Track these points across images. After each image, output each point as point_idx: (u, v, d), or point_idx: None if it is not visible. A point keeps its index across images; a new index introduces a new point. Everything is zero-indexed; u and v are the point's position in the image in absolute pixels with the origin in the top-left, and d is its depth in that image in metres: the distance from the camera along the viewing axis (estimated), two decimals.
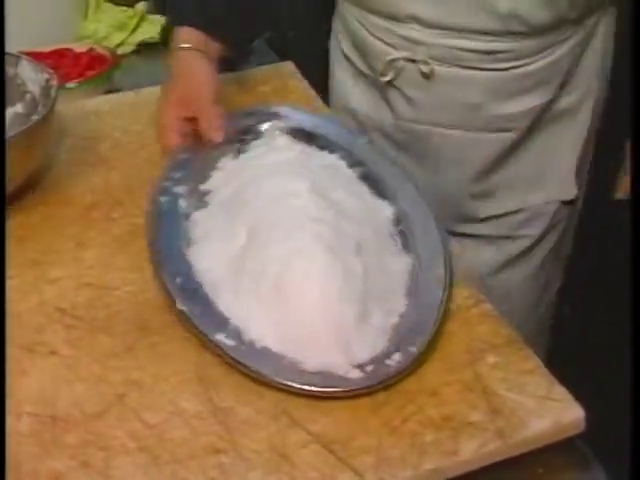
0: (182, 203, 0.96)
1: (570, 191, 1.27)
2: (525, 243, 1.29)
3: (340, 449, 0.73)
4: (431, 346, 0.82)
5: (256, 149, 1.03)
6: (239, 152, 1.03)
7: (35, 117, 1.04)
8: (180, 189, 0.98)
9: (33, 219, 1.03)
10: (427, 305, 0.86)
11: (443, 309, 0.85)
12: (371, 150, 1.05)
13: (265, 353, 0.81)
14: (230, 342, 0.81)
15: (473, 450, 0.73)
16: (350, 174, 1.00)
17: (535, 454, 0.76)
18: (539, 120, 1.21)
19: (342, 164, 1.02)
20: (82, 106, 1.25)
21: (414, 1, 1.12)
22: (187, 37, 1.07)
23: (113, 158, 1.14)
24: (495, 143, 1.21)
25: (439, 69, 1.15)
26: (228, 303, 0.85)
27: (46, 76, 1.09)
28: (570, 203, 1.29)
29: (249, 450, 0.73)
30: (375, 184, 0.99)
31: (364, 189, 0.98)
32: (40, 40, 1.41)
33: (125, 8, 1.58)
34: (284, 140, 1.04)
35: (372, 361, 0.80)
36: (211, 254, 0.90)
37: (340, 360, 0.79)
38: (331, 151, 1.03)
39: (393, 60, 1.17)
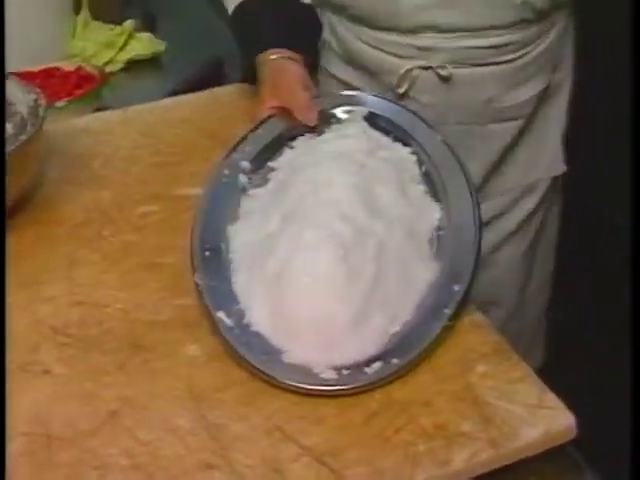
0: (242, 178, 0.99)
1: (559, 167, 1.34)
2: (520, 217, 1.33)
3: (333, 461, 0.74)
4: (421, 356, 0.83)
5: (331, 133, 1.03)
6: (315, 135, 1.04)
7: (23, 137, 1.05)
8: (245, 164, 1.00)
9: (25, 238, 1.03)
10: (430, 319, 0.85)
11: (441, 328, 0.84)
12: (444, 149, 1.01)
13: (255, 337, 0.83)
14: (228, 322, 0.84)
15: (465, 459, 0.74)
16: (414, 171, 0.99)
17: (527, 462, 0.76)
18: (537, 104, 1.26)
19: (411, 159, 1.00)
20: (72, 125, 1.26)
21: (433, 11, 1.14)
22: (273, 51, 1.11)
23: (104, 176, 1.14)
24: (505, 133, 1.25)
25: (456, 71, 1.18)
26: (241, 283, 0.88)
27: (34, 96, 1.10)
28: (556, 179, 1.35)
29: (243, 465, 0.74)
30: (433, 185, 0.97)
31: (420, 188, 0.97)
32: (29, 59, 1.41)
33: (113, 26, 1.59)
34: (361, 127, 1.03)
35: (352, 366, 0.81)
36: (245, 233, 0.93)
37: (318, 358, 0.81)
38: (405, 144, 1.02)
39: (408, 71, 1.19)
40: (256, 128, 1.04)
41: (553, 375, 0.86)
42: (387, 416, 0.77)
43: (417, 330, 0.84)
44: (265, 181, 0.99)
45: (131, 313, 0.91)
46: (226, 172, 0.99)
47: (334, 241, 0.84)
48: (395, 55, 1.19)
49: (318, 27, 1.24)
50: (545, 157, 1.32)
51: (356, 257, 0.84)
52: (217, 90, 1.32)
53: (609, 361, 1.84)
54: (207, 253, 0.91)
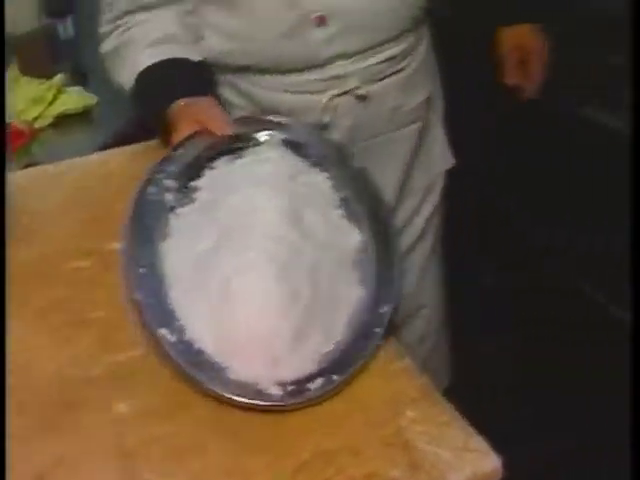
0: (169, 196, 1.00)
1: (450, 159, 1.47)
2: (423, 221, 1.46)
3: None
4: (351, 400, 0.85)
5: (251, 156, 1.06)
6: (235, 157, 1.06)
7: None
8: (170, 182, 1.01)
9: None
10: (362, 338, 0.89)
11: (374, 346, 0.89)
12: (360, 175, 1.07)
13: (199, 355, 0.85)
14: (171, 338, 0.86)
15: None
16: (332, 196, 1.03)
17: None
18: (427, 107, 1.39)
19: (328, 185, 1.04)
20: None
21: (340, 41, 1.20)
22: (182, 100, 1.14)
23: (34, 230, 1.14)
24: (412, 135, 1.37)
25: (369, 88, 1.26)
26: (179, 300, 0.89)
27: None
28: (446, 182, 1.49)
29: None
30: (351, 210, 1.02)
31: (339, 213, 1.01)
32: None
33: (43, 80, 1.59)
34: (279, 152, 1.06)
35: (295, 382, 0.84)
36: (179, 250, 0.94)
37: (264, 374, 0.83)
38: (323, 169, 1.06)
39: (328, 101, 1.24)
40: (176, 149, 1.06)
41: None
42: (317, 466, 0.78)
43: (351, 348, 0.88)
44: (191, 200, 1.01)
45: (61, 370, 0.90)
46: (152, 190, 1.00)
47: (273, 261, 0.88)
48: (312, 92, 1.24)
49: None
50: (438, 154, 1.44)
51: (293, 277, 0.88)
52: (149, 143, 1.33)
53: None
54: (141, 270, 0.91)
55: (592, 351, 1.89)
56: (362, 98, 1.26)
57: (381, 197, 1.05)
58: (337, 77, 1.24)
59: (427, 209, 1.46)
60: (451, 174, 1.48)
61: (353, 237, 0.99)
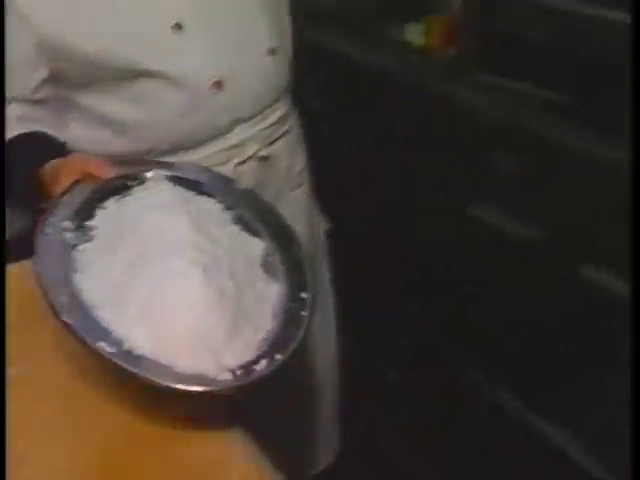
0: (67, 235, 1.03)
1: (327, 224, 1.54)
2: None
3: None
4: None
5: (140, 192, 1.10)
6: (124, 195, 1.10)
7: None
8: (66, 224, 1.04)
9: None
10: (292, 324, 0.99)
11: (305, 326, 0.98)
12: (245, 196, 1.16)
13: (142, 359, 0.90)
14: (111, 349, 0.89)
15: None
16: (226, 216, 1.10)
17: None
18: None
19: (219, 207, 1.11)
20: None
21: (236, 107, 1.24)
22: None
23: None
24: (303, 195, 1.45)
25: (269, 149, 1.32)
26: (109, 317, 0.93)
27: None
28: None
29: None
30: (247, 224, 1.10)
31: (237, 228, 1.09)
32: None
33: None
34: (166, 185, 1.12)
35: (241, 367, 0.91)
36: (93, 279, 0.97)
37: (211, 365, 0.90)
38: (209, 196, 1.13)
39: (235, 167, 1.27)
40: (62, 195, 1.08)
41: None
42: None
43: (285, 332, 0.98)
44: (90, 238, 1.03)
45: None
46: (50, 231, 1.02)
47: (198, 266, 0.96)
48: (216, 164, 1.24)
49: None
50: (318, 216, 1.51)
51: (216, 277, 0.96)
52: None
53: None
54: (63, 297, 0.94)
55: None
56: (264, 159, 1.31)
57: (272, 208, 1.15)
58: (238, 145, 1.27)
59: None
60: None
61: (256, 244, 1.08)
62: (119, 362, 0.89)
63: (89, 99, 1.22)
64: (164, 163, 1.17)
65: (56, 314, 0.92)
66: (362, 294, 1.91)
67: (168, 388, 0.88)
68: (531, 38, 1.61)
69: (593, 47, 1.47)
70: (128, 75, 1.18)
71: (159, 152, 1.23)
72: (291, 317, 1.00)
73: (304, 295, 1.03)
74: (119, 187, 1.10)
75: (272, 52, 1.27)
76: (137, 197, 1.09)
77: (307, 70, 1.39)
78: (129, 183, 1.11)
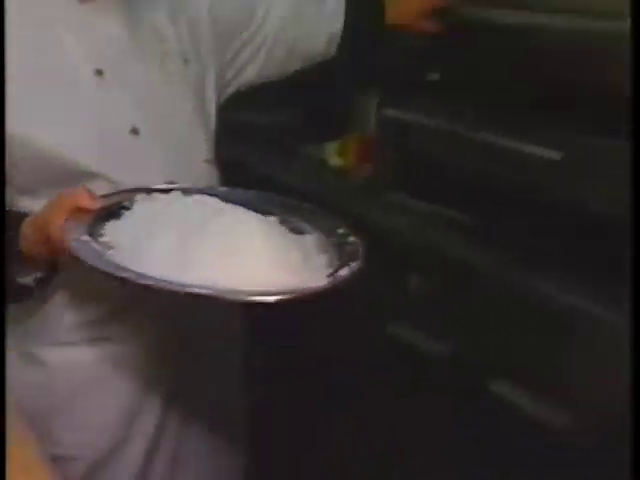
0: (94, 245, 1.09)
1: None
2: None
3: None
4: None
5: (144, 205, 1.17)
6: (119, 216, 1.16)
7: None
8: (85, 238, 1.09)
9: None
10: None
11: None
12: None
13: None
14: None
15: None
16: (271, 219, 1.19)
17: None
18: None
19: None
20: None
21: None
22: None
23: None
24: None
25: None
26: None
27: None
28: None
29: None
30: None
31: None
32: None
33: None
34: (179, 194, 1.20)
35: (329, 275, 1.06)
36: (146, 262, 1.04)
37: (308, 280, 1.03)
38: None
39: None
40: (66, 223, 1.11)
41: None
42: None
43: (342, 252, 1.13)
44: (111, 247, 1.10)
45: None
46: (78, 241, 1.08)
47: (261, 221, 1.12)
48: None
49: None
50: None
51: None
52: None
53: None
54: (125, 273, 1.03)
55: None
56: None
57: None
58: None
59: None
60: None
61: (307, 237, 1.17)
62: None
63: (32, 204, 1.23)
64: (154, 188, 1.21)
65: (129, 278, 1.01)
66: (277, 413, 1.90)
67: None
68: (442, 161, 1.68)
69: (503, 174, 1.53)
70: (75, 176, 1.21)
71: None
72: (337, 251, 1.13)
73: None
74: (114, 212, 1.15)
75: (207, 162, 1.35)
76: (147, 206, 1.16)
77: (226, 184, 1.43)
78: (125, 204, 1.17)
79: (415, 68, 1.86)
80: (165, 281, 1.00)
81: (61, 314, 1.31)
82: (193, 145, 1.35)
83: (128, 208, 1.17)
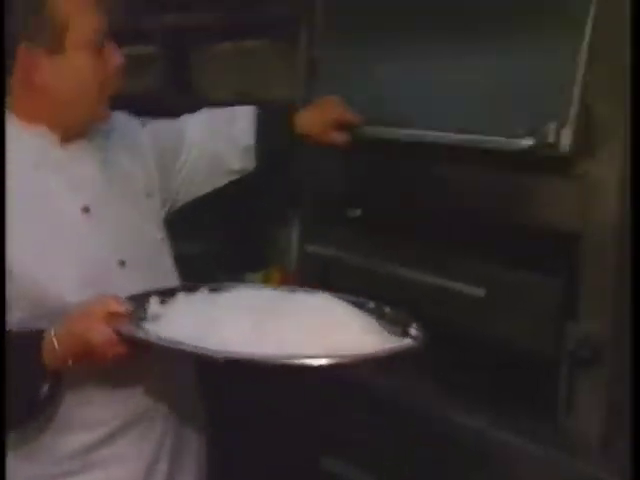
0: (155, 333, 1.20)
1: None
2: None
3: None
4: None
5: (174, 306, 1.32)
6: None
7: None
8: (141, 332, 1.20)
9: None
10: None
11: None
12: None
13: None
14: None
15: None
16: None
17: None
18: None
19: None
20: None
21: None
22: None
23: None
24: None
25: None
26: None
27: None
28: None
29: None
30: None
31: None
32: None
33: None
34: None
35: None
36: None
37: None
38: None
39: None
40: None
41: None
42: None
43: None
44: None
45: None
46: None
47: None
48: None
49: None
50: None
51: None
52: None
53: None
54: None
55: None
56: None
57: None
58: None
59: None
60: None
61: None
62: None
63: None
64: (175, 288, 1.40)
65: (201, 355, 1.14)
66: None
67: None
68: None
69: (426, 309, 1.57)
70: (69, 308, 1.26)
71: None
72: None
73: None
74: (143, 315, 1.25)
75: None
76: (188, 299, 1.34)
77: None
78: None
79: (336, 204, 1.89)
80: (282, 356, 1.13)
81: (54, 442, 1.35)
82: (167, 272, 1.50)
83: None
